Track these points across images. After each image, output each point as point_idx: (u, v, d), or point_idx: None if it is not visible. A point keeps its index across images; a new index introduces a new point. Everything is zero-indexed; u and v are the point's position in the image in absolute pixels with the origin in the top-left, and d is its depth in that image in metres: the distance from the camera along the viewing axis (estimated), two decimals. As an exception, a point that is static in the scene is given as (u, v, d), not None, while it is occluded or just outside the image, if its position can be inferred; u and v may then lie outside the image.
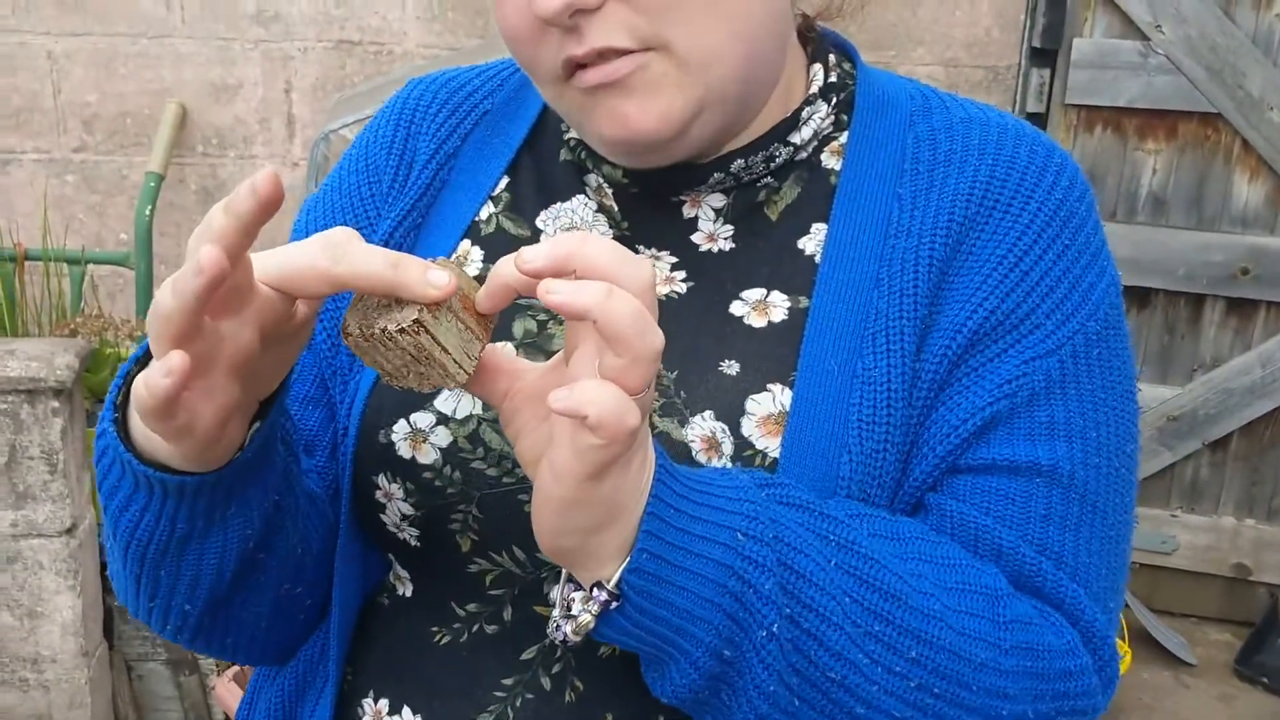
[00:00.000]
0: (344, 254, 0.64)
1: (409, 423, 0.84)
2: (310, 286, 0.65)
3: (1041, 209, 0.85)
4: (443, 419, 0.84)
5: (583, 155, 0.91)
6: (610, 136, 0.81)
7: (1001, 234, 0.84)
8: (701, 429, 0.79)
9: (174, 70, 3.27)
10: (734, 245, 0.88)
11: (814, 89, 0.90)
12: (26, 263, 2.92)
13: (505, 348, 0.85)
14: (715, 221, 0.89)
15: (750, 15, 0.81)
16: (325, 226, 0.95)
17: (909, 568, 0.76)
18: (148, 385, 0.62)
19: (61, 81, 3.27)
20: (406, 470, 0.84)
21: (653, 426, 0.78)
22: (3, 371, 2.31)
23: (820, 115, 0.90)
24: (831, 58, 0.93)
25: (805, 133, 0.89)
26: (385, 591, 0.93)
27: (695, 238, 0.89)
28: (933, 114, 0.90)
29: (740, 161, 0.87)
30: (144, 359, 0.73)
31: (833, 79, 0.92)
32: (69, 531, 2.46)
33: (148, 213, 3.04)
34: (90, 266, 3.15)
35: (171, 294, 0.61)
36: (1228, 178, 3.29)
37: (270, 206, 0.62)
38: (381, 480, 0.85)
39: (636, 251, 0.89)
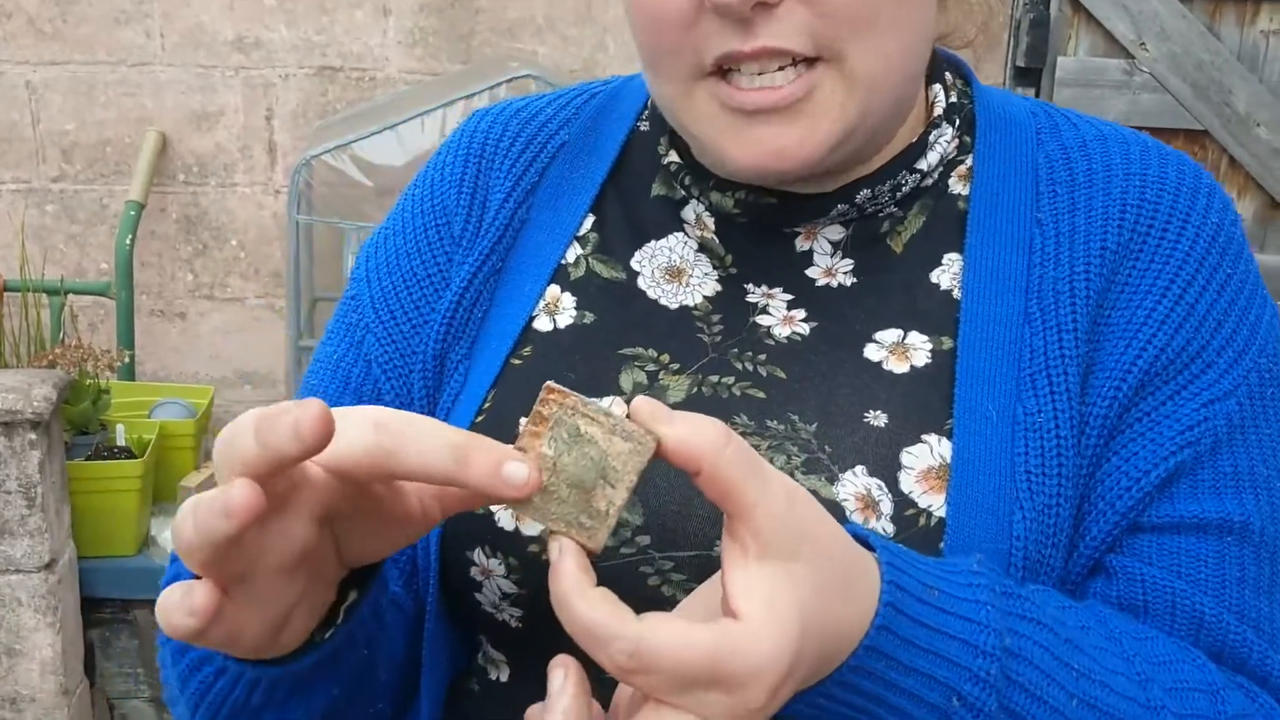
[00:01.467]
0: (400, 446, 0.54)
1: None
2: (369, 476, 0.56)
3: (1200, 235, 0.79)
4: None
5: (686, 181, 0.84)
6: (752, 165, 0.75)
7: (1160, 263, 0.78)
8: (854, 486, 0.72)
9: (154, 98, 3.24)
10: (856, 280, 0.81)
11: (938, 110, 0.84)
12: (5, 294, 2.89)
13: None
14: (833, 255, 0.82)
15: (919, 29, 0.76)
16: (392, 278, 0.88)
17: (1135, 679, 0.69)
18: (169, 619, 0.55)
19: (40, 110, 3.24)
20: (509, 544, 0.76)
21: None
22: (-21, 404, 2.28)
23: (946, 139, 0.84)
24: (948, 76, 0.87)
25: (932, 158, 0.83)
26: (474, 676, 0.83)
27: (811, 272, 0.82)
28: (1061, 131, 0.85)
29: (866, 192, 0.81)
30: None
31: (952, 99, 0.86)
32: (48, 567, 2.42)
33: (128, 242, 3.00)
34: (71, 297, 3.11)
35: (194, 528, 0.52)
36: (1215, 194, 3.27)
37: (314, 451, 0.52)
38: (478, 555, 0.77)
39: (745, 290, 0.82)
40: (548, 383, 0.56)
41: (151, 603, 2.59)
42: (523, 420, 0.57)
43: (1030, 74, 3.28)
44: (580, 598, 0.53)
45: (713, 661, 0.52)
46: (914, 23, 0.76)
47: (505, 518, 0.76)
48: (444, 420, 0.79)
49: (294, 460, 0.52)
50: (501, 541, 0.76)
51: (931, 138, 0.83)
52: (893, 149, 0.82)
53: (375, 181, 2.77)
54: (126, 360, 2.96)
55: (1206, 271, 0.78)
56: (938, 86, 0.86)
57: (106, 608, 2.71)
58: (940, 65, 0.87)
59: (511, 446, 0.56)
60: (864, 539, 0.61)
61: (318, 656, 0.64)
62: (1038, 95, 3.28)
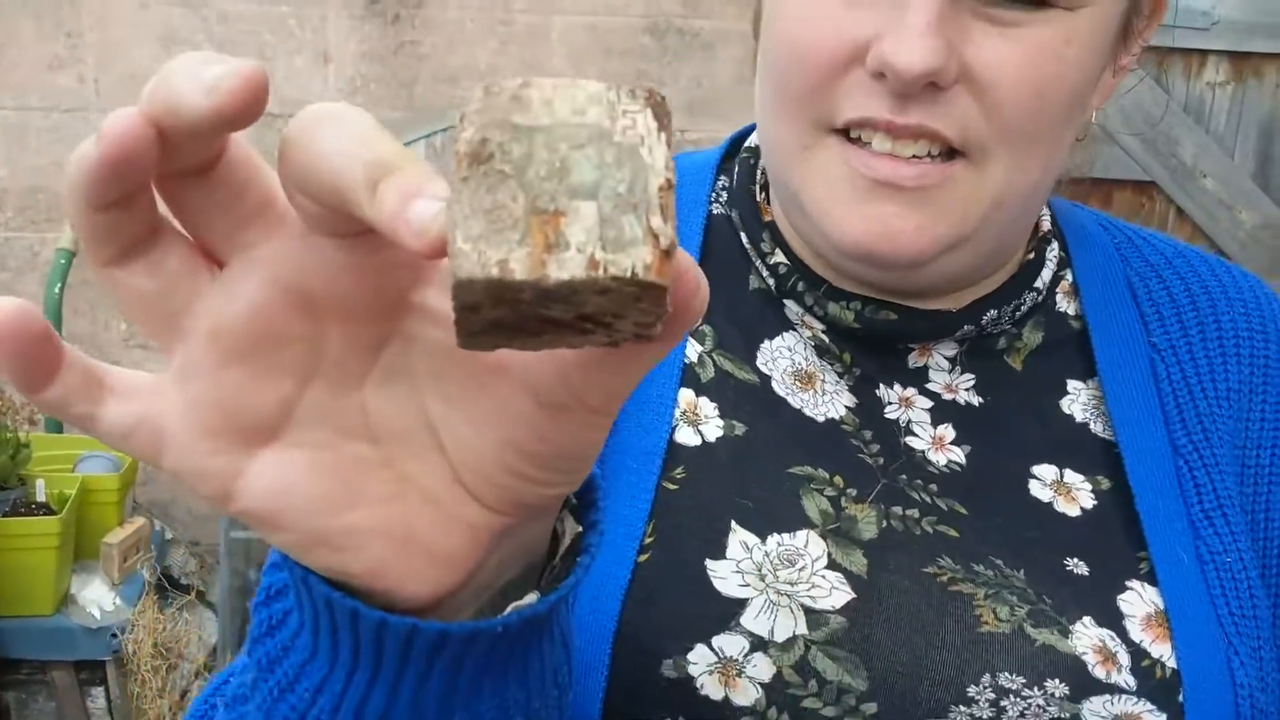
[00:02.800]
0: (310, 137, 0.37)
1: (713, 649, 0.65)
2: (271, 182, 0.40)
3: None
4: (759, 643, 0.65)
5: (799, 287, 0.77)
6: (860, 241, 0.69)
7: None
8: (1089, 638, 0.68)
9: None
10: (982, 400, 0.78)
11: (1045, 226, 0.81)
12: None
13: None
14: (951, 372, 0.78)
15: (1056, 170, 0.73)
16: None
17: None
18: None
19: (-30, 156, 3.17)
20: (712, 716, 0.64)
21: (1030, 640, 0.67)
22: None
23: (1055, 255, 0.81)
24: None
25: (1045, 275, 0.80)
26: None
27: (931, 387, 0.78)
28: (1140, 248, 0.84)
29: (993, 313, 0.77)
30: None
31: (1048, 212, 0.83)
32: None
33: (58, 290, 2.93)
34: (-3, 347, 3.03)
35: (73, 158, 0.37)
36: (1164, 246, 3.26)
37: (224, 118, 0.35)
38: None
39: (878, 392, 0.77)
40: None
41: (70, 664, 2.49)
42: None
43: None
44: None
45: None
46: (1063, 144, 0.72)
47: (711, 684, 0.64)
48: (600, 569, 0.66)
49: (198, 122, 0.35)
50: (703, 711, 0.64)
51: (1046, 254, 0.81)
52: (1009, 269, 0.79)
53: (308, 230, 2.71)
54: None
55: None
56: None
57: (23, 669, 2.61)
58: None
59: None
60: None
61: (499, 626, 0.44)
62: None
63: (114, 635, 2.60)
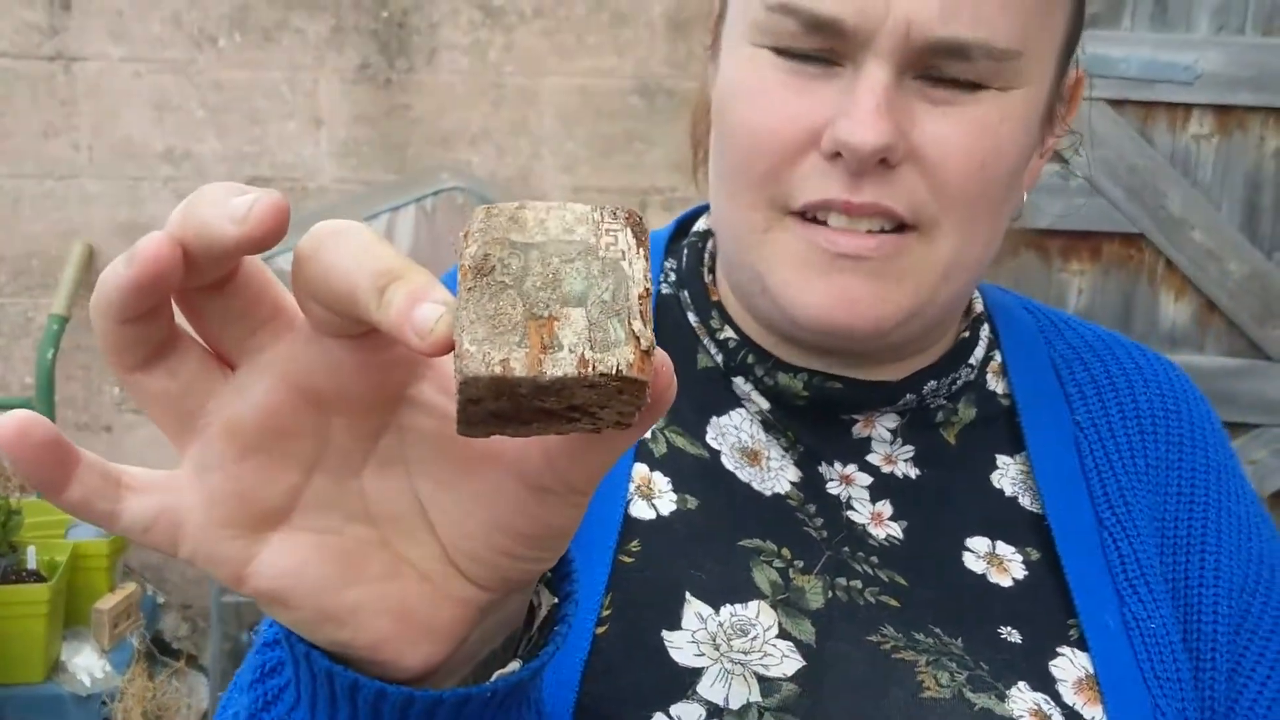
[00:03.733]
0: (318, 250, 0.42)
1: (670, 717, 0.67)
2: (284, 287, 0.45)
3: (1220, 445, 0.86)
4: (714, 710, 0.68)
5: (749, 360, 0.79)
6: (826, 317, 0.72)
7: (1202, 473, 0.83)
8: (1025, 702, 0.71)
9: (82, 210, 3.20)
10: (919, 472, 0.81)
11: (979, 307, 0.85)
12: (-81, 411, 2.82)
13: None
14: (892, 444, 0.81)
15: (996, 245, 0.77)
16: None
17: None
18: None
19: (-35, 224, 3.20)
20: None
21: (969, 704, 0.71)
22: None
23: (986, 334, 0.85)
24: None
25: (978, 353, 0.83)
26: None
27: (872, 459, 0.80)
28: (1061, 332, 0.89)
29: (933, 384, 0.80)
30: None
31: (979, 295, 0.87)
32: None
33: (50, 356, 2.94)
34: (-9, 413, 3.03)
35: (101, 277, 0.41)
36: (1153, 297, 3.26)
37: (253, 242, 0.40)
38: None
39: (822, 476, 0.79)
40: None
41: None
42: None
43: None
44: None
45: None
46: (1003, 219, 0.76)
47: None
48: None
49: (225, 247, 0.40)
50: None
51: (980, 334, 0.84)
52: (945, 343, 0.83)
53: (299, 293, 2.73)
54: (40, 479, 2.88)
55: (1235, 481, 0.85)
56: None
57: (13, 738, 2.60)
58: None
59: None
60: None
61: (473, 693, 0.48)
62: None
63: (103, 703, 2.58)
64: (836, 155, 0.70)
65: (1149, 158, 3.18)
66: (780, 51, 0.71)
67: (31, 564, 2.60)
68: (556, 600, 0.52)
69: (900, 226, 0.72)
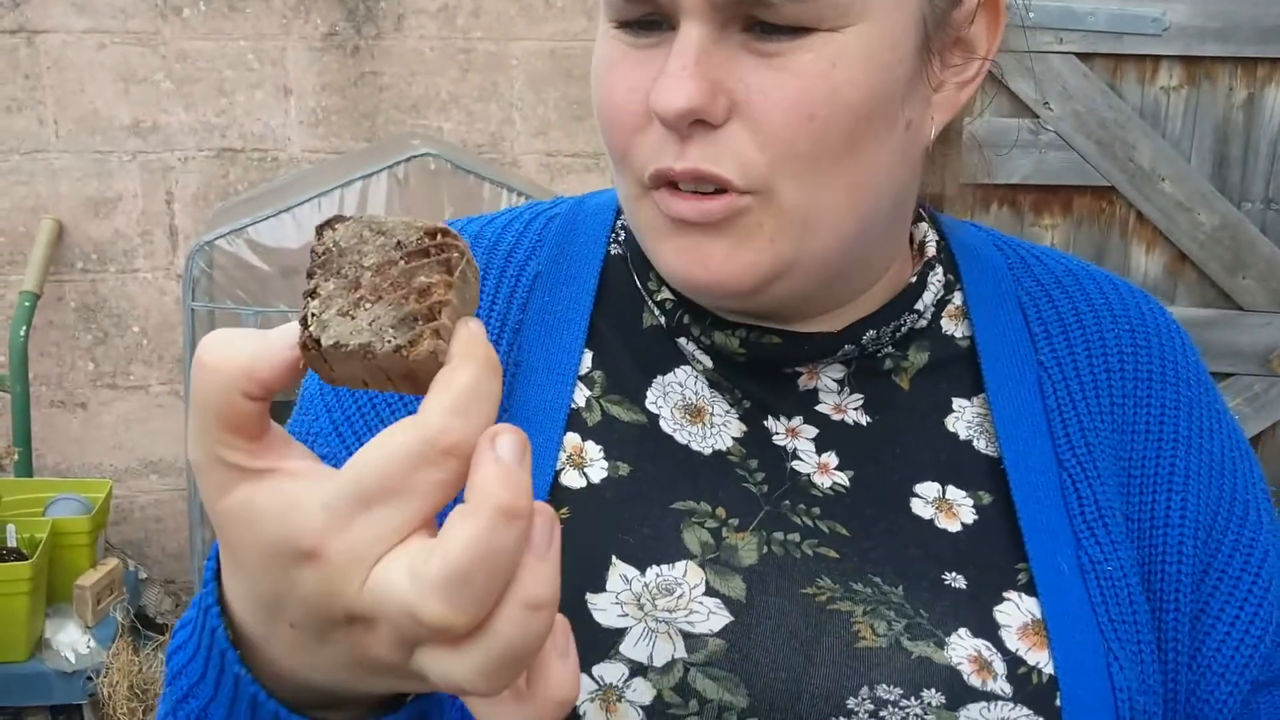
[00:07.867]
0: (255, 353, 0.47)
1: (593, 677, 0.68)
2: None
3: (1194, 380, 0.84)
4: (638, 669, 0.69)
5: (685, 320, 0.79)
6: (685, 276, 0.72)
7: (1172, 410, 0.82)
8: (965, 649, 0.70)
9: (49, 185, 3.17)
10: (870, 419, 0.80)
11: (930, 251, 0.83)
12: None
13: None
14: (839, 393, 0.80)
15: (875, 189, 0.72)
16: (366, 438, 0.76)
17: None
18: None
19: (-69, 201, 3.16)
20: None
21: (906, 653, 0.70)
22: None
23: (939, 279, 0.82)
24: (921, 210, 0.85)
25: (927, 298, 0.81)
26: None
27: (821, 409, 0.80)
28: (1031, 268, 0.87)
29: (872, 333, 0.79)
30: None
31: (936, 237, 0.85)
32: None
33: (23, 333, 2.92)
34: (-36, 392, 3.01)
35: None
36: (1125, 249, 3.29)
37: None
38: None
39: (766, 424, 0.79)
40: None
41: (45, 709, 2.48)
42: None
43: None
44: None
45: None
46: (875, 163, 0.71)
47: (594, 711, 0.68)
48: None
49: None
50: None
51: (929, 279, 0.82)
52: (891, 290, 0.80)
53: (273, 264, 2.71)
54: (16, 457, 2.87)
55: (1211, 415, 0.83)
56: (925, 225, 0.85)
57: (-2, 716, 2.60)
58: (920, 202, 0.85)
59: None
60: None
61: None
62: (946, 157, 3.29)
63: (89, 679, 2.58)
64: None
65: (1118, 110, 3.20)
66: (622, 25, 0.71)
67: (11, 542, 2.59)
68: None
69: (741, 191, 0.70)
